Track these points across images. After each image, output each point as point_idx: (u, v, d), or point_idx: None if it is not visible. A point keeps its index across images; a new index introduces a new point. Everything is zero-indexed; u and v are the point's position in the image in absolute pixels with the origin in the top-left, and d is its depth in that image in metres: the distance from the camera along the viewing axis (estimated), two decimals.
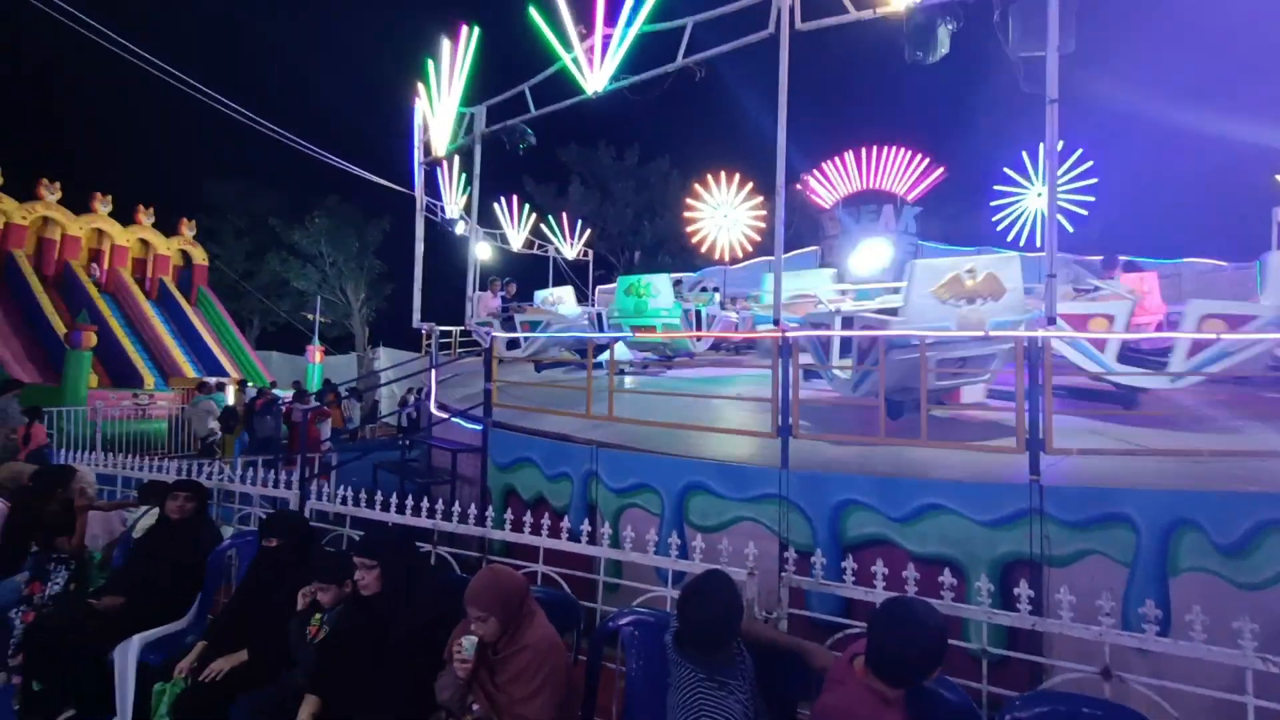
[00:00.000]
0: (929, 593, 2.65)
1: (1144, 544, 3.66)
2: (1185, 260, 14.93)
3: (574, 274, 18.48)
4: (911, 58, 4.19)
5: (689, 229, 19.56)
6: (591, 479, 4.97)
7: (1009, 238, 17.28)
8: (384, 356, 22.47)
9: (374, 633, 2.63)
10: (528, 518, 3.57)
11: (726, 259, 19.63)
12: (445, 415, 6.48)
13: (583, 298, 16.69)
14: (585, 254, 18.67)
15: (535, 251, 17.46)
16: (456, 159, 9.09)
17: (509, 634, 2.33)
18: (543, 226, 17.62)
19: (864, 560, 4.02)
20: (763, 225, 19.51)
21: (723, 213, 19.40)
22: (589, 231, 18.89)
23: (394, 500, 4.09)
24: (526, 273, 18.63)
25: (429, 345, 7.99)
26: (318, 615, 2.87)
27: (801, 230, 22.21)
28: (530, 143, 6.62)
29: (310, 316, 24.21)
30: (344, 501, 4.17)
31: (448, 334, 11.24)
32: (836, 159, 19.03)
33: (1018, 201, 17.10)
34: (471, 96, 7.31)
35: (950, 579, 2.68)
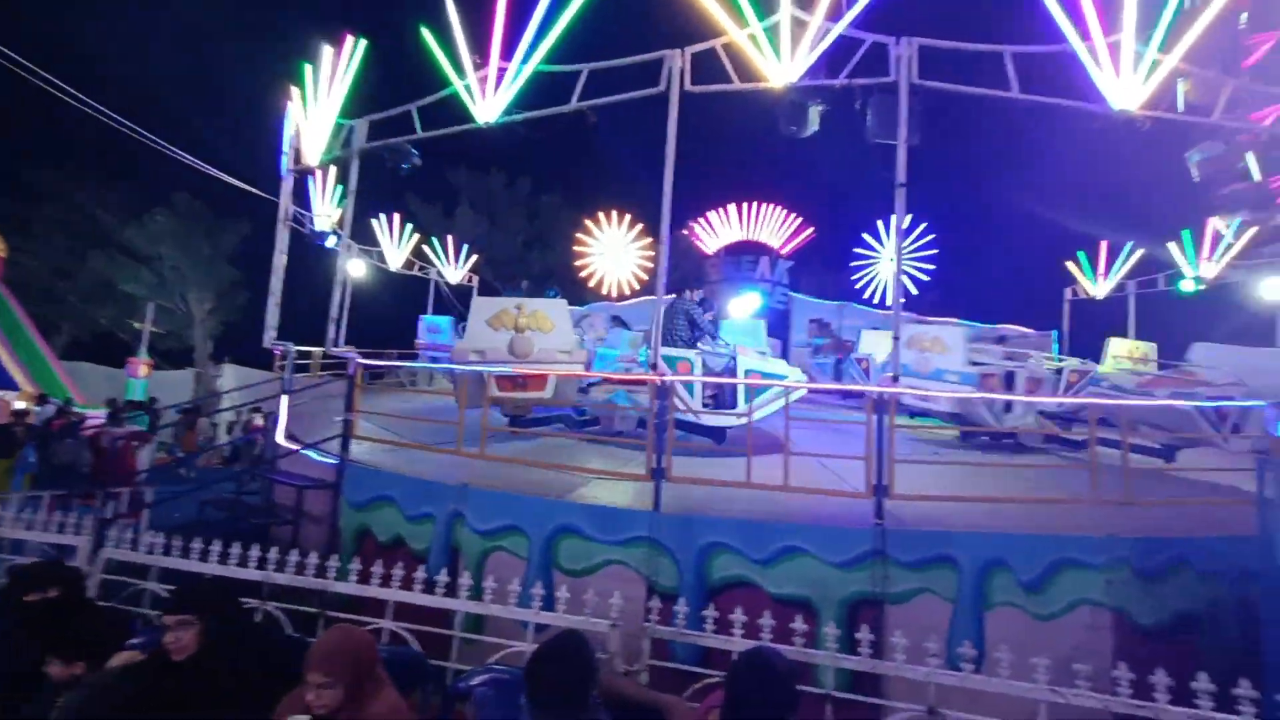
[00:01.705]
0: (785, 636, 2.76)
1: (965, 582, 4.10)
2: (1003, 325, 17.37)
3: (457, 299, 17.84)
4: (786, 131, 4.57)
5: (578, 263, 19.72)
6: (457, 520, 4.69)
7: (865, 295, 19.19)
8: (230, 375, 20.07)
9: (174, 709, 2.23)
10: (377, 568, 3.25)
11: (614, 295, 19.97)
12: (295, 446, 5.85)
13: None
14: (470, 279, 18.12)
15: (415, 273, 16.66)
16: (333, 170, 8.50)
17: (352, 704, 2.07)
18: (425, 248, 16.90)
19: (727, 602, 4.13)
20: (650, 265, 20.14)
21: (612, 250, 19.80)
22: (475, 256, 18.39)
23: (226, 546, 3.55)
24: (404, 294, 17.70)
25: (283, 367, 7.24)
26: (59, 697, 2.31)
27: (687, 274, 23.19)
28: (415, 164, 6.35)
29: (138, 325, 21.08)
30: (150, 549, 3.54)
31: (307, 355, 10.26)
32: (720, 210, 20.24)
33: (872, 265, 19.09)
34: (353, 109, 6.92)
35: (802, 625, 2.79)
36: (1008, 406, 6.49)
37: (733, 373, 6.24)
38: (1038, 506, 4.47)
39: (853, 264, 19.55)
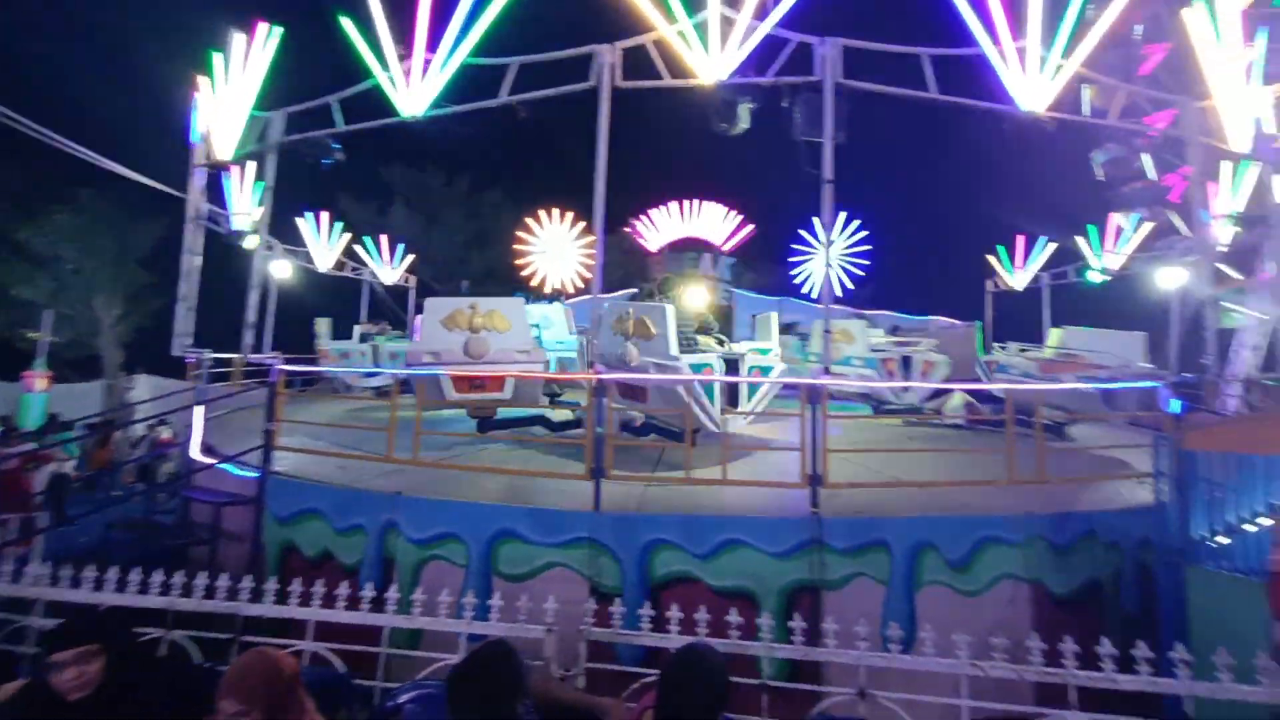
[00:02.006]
0: (724, 629, 2.77)
1: (897, 564, 4.25)
2: (932, 317, 18.18)
3: (393, 300, 17.24)
4: (718, 128, 4.60)
5: (519, 261, 19.39)
6: (390, 531, 4.51)
7: (803, 290, 19.71)
8: (144, 386, 18.66)
9: None
10: (297, 586, 3.06)
11: (558, 294, 19.75)
12: (211, 461, 5.48)
13: (400, 324, 15.57)
14: (407, 279, 17.53)
15: (346, 274, 15.97)
16: (252, 165, 8.03)
17: None
18: (357, 247, 16.23)
19: (670, 598, 4.16)
20: (594, 263, 20.02)
21: (555, 248, 19.57)
22: (412, 256, 17.80)
23: (125, 573, 3.25)
24: (335, 296, 16.96)
25: (198, 375, 6.78)
26: None
27: (631, 271, 23.20)
28: (337, 158, 6.06)
29: (32, 335, 19.29)
30: (36, 581, 3.20)
31: (227, 362, 9.61)
32: (663, 207, 20.33)
33: (809, 260, 19.62)
34: (270, 101, 6.54)
35: (740, 618, 2.81)
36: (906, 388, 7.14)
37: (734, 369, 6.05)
38: (962, 488, 4.68)
39: (791, 259, 20.04)
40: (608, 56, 4.51)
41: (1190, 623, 3.70)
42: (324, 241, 14.83)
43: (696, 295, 18.38)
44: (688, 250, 19.34)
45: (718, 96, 4.32)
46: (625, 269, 22.18)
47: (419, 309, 18.39)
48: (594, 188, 4.45)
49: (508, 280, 24.07)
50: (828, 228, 4.21)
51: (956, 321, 17.57)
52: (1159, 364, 9.47)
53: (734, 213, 19.55)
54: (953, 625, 4.18)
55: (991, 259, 16.43)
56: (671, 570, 4.22)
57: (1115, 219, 14.35)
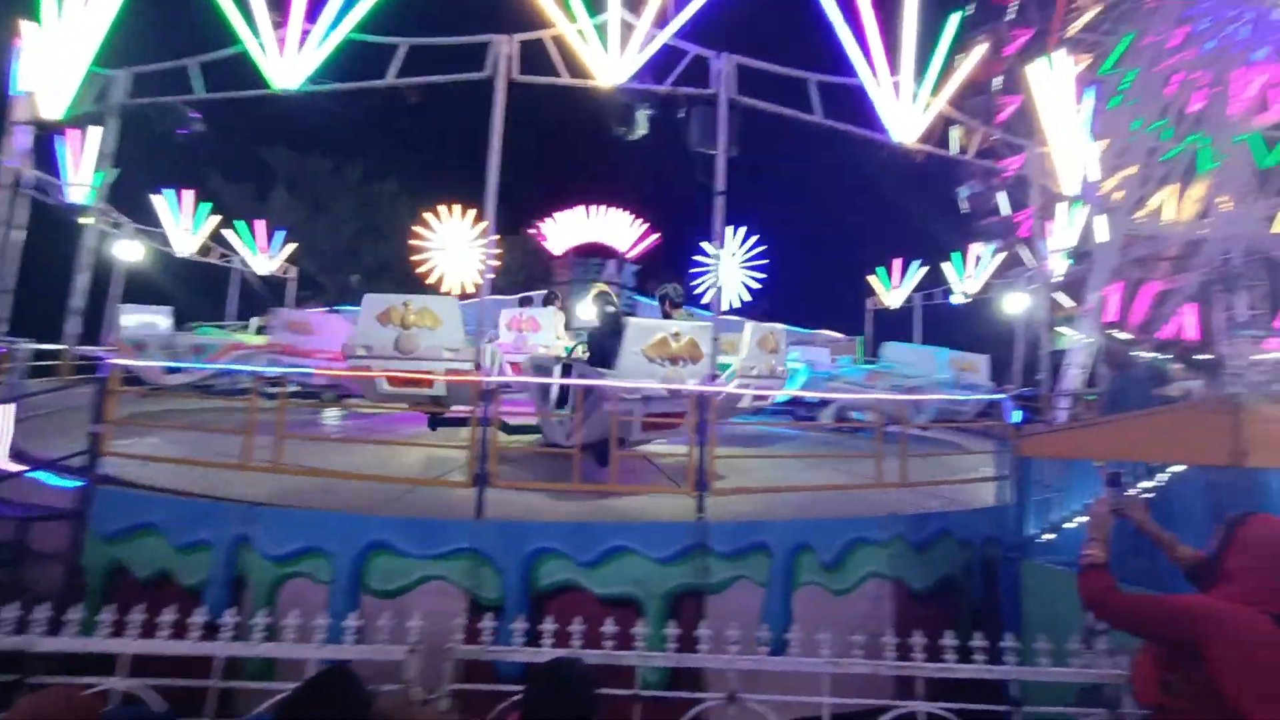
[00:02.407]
0: (607, 638, 2.71)
1: (776, 566, 4.40)
2: (820, 330, 19.32)
3: (270, 291, 15.79)
4: (616, 132, 4.59)
5: (416, 258, 18.47)
6: (242, 546, 4.05)
7: (703, 300, 20.28)
8: None
9: None
10: (106, 615, 2.64)
11: (456, 294, 19.01)
12: (19, 469, 4.68)
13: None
14: (285, 270, 16.12)
15: (214, 260, 14.43)
16: (99, 131, 7.01)
17: None
18: (228, 232, 14.72)
19: (553, 608, 4.05)
20: (498, 264, 19.48)
21: (455, 246, 18.83)
22: (293, 246, 16.40)
23: None
24: (201, 285, 15.29)
25: (8, 370, 5.78)
26: None
27: (535, 274, 22.83)
28: (195, 129, 5.41)
29: None
30: None
31: (53, 355, 8.27)
32: (569, 210, 20.19)
33: (710, 271, 20.24)
34: (114, 58, 5.73)
35: (614, 628, 2.75)
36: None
37: None
38: (835, 492, 4.94)
39: (693, 270, 20.58)
40: (505, 47, 4.37)
41: (1025, 611, 4.11)
42: (185, 223, 13.31)
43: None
44: (592, 256, 19.37)
45: (616, 100, 4.31)
46: (528, 271, 21.79)
47: (300, 302, 17.06)
48: (487, 183, 4.27)
49: (403, 277, 22.88)
50: (718, 240, 4.31)
51: (840, 335, 18.83)
52: (1004, 380, 10.64)
53: (639, 220, 19.81)
54: (825, 623, 4.38)
55: (872, 279, 17.75)
56: (556, 579, 4.11)
57: (975, 248, 16.00)
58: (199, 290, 15.02)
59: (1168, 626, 2.00)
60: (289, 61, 4.75)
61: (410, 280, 19.64)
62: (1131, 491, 3.41)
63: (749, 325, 6.37)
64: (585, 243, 20.54)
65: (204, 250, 13.94)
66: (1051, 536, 4.17)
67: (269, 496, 4.36)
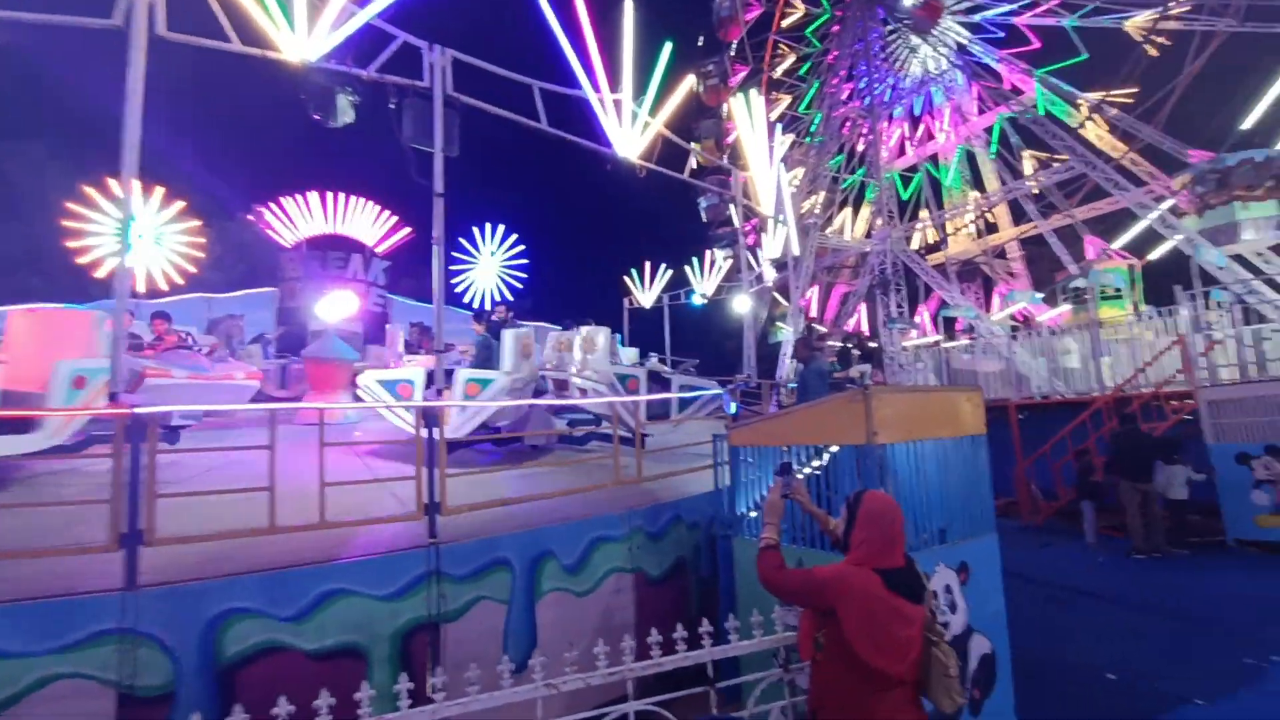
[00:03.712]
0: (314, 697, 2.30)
1: (518, 580, 4.31)
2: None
3: None
4: (315, 115, 3.99)
5: (75, 244, 14.36)
6: None
7: (465, 299, 19.50)
8: None
9: None
10: None
11: (142, 289, 15.29)
12: None
13: None
14: None
15: None
16: None
17: None
18: None
19: (250, 679, 3.39)
20: (202, 255, 16.16)
21: (142, 231, 15.12)
22: None
23: None
24: None
25: None
26: None
27: (257, 268, 19.47)
28: None
29: None
30: None
31: None
32: (300, 197, 17.64)
33: (469, 269, 19.54)
34: None
35: (329, 699, 2.36)
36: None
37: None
38: (575, 497, 5.04)
39: (452, 268, 19.61)
40: None
41: (738, 583, 4.66)
42: None
43: (342, 299, 16.43)
44: (332, 249, 17.17)
45: (311, 82, 3.73)
46: (250, 262, 18.44)
47: None
48: (122, 159, 3.35)
49: (59, 269, 17.63)
50: (439, 242, 4.03)
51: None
52: (735, 373, 12.14)
53: (388, 213, 18.16)
54: (570, 625, 4.48)
55: (628, 279, 18.93)
56: (250, 644, 3.44)
57: (712, 254, 18.08)
58: None
59: (812, 593, 2.37)
60: None
61: (70, 271, 15.12)
62: (805, 473, 4.05)
63: (508, 333, 6.15)
64: (324, 234, 18.17)
65: None
66: (756, 514, 4.79)
67: None
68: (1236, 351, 9.54)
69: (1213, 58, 16.62)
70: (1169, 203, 18.21)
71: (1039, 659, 4.93)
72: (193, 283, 16.38)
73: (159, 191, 15.07)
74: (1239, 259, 17.39)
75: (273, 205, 16.86)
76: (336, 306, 16.63)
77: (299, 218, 17.17)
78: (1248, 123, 16.90)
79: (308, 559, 3.69)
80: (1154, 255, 19.89)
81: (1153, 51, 19.17)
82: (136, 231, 14.87)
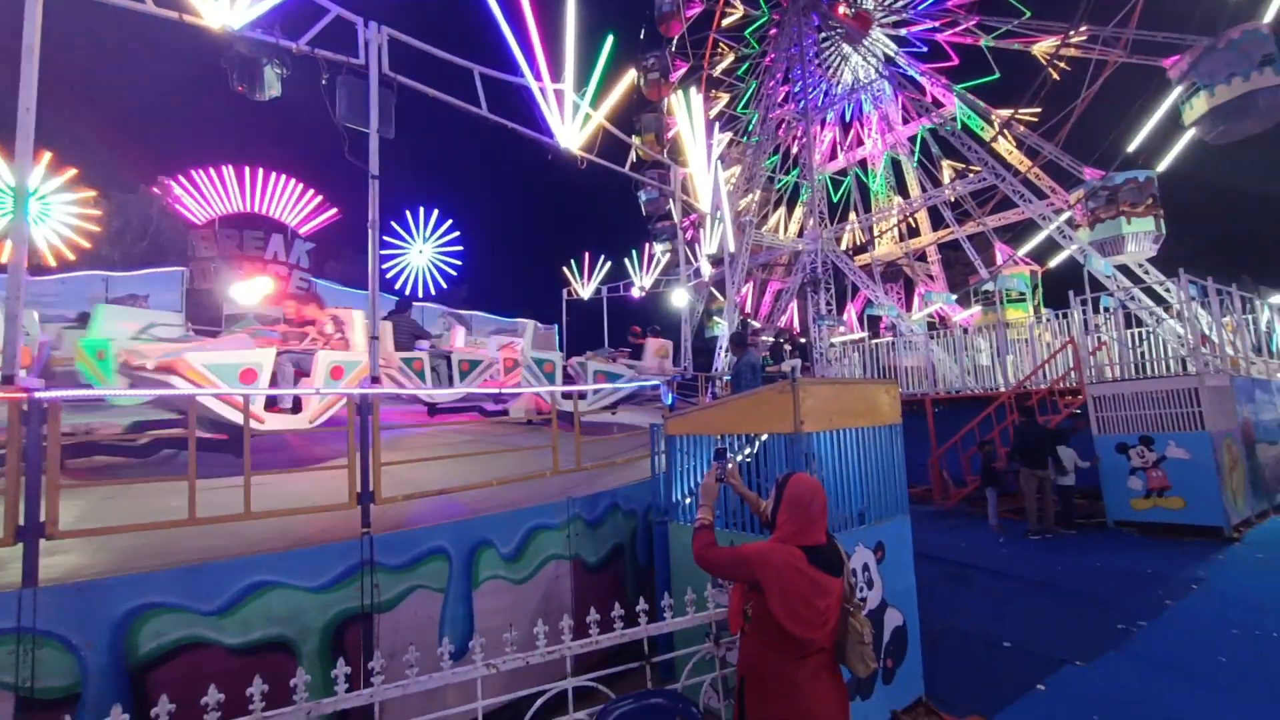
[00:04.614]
0: (242, 696, 2.23)
1: (455, 569, 4.29)
2: (520, 320, 19.71)
3: None
4: (239, 87, 3.78)
5: None
6: None
7: (396, 285, 18.82)
8: None
9: None
10: None
11: (35, 263, 13.84)
12: None
13: None
14: None
15: None
16: None
17: None
18: None
19: (167, 677, 3.23)
20: (98, 229, 14.83)
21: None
22: None
23: None
24: None
25: None
26: None
27: (164, 245, 18.07)
28: None
29: None
30: None
31: None
32: (212, 170, 16.46)
33: (402, 255, 18.87)
34: None
35: (263, 686, 2.30)
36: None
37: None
38: (516, 485, 5.04)
39: (383, 252, 18.88)
40: None
41: (673, 567, 4.81)
42: None
43: (260, 282, 15.49)
44: (249, 229, 16.13)
45: (235, 52, 3.53)
46: (154, 239, 17.05)
47: None
48: (18, 124, 3.07)
49: None
50: (374, 226, 3.92)
51: (542, 325, 19.53)
52: (676, 364, 12.33)
53: (313, 192, 17.23)
54: (508, 612, 4.50)
55: (567, 271, 18.83)
56: (168, 639, 3.28)
57: (650, 248, 18.25)
58: None
59: (739, 567, 2.52)
60: None
61: None
62: (736, 461, 4.23)
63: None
64: (241, 212, 17.05)
65: None
66: (690, 500, 4.96)
67: None
68: (1119, 352, 10.60)
69: (1106, 84, 18.29)
70: (1066, 215, 19.90)
71: (944, 630, 5.38)
72: (86, 259, 15.02)
73: (45, 156, 13.68)
74: (1124, 269, 19.30)
75: (182, 179, 15.64)
76: (254, 290, 15.69)
77: (212, 194, 16.02)
78: (1133, 145, 18.71)
79: (235, 552, 3.54)
80: (1053, 263, 21.71)
81: (1056, 75, 20.84)
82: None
